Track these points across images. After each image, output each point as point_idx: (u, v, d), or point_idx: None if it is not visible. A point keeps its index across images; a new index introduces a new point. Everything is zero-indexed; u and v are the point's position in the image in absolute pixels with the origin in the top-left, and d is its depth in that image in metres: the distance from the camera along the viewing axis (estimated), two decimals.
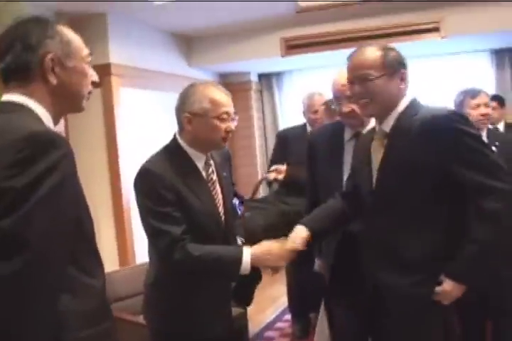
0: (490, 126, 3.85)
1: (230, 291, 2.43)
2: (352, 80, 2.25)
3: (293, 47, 5.63)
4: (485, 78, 5.87)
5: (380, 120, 2.26)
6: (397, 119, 2.22)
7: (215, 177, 2.39)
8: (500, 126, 4.57)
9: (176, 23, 5.30)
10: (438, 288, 2.08)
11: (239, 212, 2.51)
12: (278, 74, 6.90)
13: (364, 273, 2.34)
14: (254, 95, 6.85)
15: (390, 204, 2.18)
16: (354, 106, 2.65)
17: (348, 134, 2.85)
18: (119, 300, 3.31)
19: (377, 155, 2.26)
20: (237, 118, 2.39)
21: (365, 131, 2.63)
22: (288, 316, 4.70)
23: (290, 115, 6.58)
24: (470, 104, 3.77)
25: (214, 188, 2.37)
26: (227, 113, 2.31)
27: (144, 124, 5.12)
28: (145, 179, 2.23)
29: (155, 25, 5.24)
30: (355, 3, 4.99)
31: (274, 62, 6.13)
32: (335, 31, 5.41)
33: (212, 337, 2.27)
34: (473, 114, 3.70)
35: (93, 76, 1.61)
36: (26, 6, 3.99)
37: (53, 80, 1.49)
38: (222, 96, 2.32)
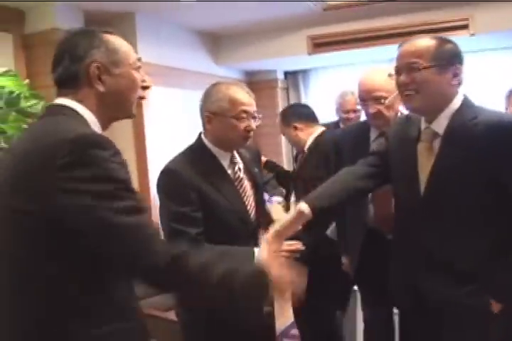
0: None
1: None
2: (398, 69, 2.09)
3: (319, 45, 5.61)
4: None
5: (430, 118, 2.11)
6: (451, 120, 2.07)
7: (242, 174, 2.38)
8: None
9: (203, 22, 5.32)
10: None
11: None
12: (304, 72, 6.87)
13: (395, 277, 2.25)
14: (280, 93, 6.83)
15: (441, 213, 2.05)
16: (380, 107, 2.71)
17: (373, 134, 2.88)
18: (148, 297, 3.33)
19: (425, 158, 2.11)
20: (260, 116, 2.37)
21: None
22: None
23: (317, 113, 6.52)
24: (507, 102, 3.69)
25: (242, 186, 2.36)
26: (245, 111, 2.30)
27: (171, 123, 5.14)
28: (166, 178, 2.25)
29: (182, 24, 5.27)
30: (383, 1, 4.95)
31: (300, 60, 6.11)
32: (361, 29, 5.37)
33: (245, 328, 2.21)
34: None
35: (143, 81, 1.67)
36: (56, 5, 4.04)
37: (100, 88, 1.57)
38: (243, 95, 2.31)
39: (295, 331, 4.51)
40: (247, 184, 2.38)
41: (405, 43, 2.09)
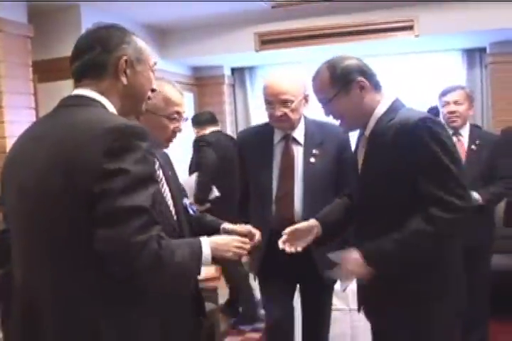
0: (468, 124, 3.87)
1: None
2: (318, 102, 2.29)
3: (267, 42, 5.63)
4: (456, 77, 5.92)
5: (364, 127, 2.24)
6: (375, 124, 2.20)
7: (161, 175, 2.30)
8: None
9: (150, 16, 5.26)
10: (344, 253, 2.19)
11: (191, 212, 2.45)
12: (251, 69, 6.88)
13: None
14: (226, 89, 6.83)
15: (371, 212, 2.18)
16: (287, 110, 2.79)
17: (277, 137, 2.93)
18: None
19: (360, 161, 2.27)
20: (187, 118, 2.38)
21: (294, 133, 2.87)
22: None
23: (262, 110, 6.52)
24: (440, 102, 3.83)
25: (162, 187, 2.28)
26: (178, 112, 2.28)
27: None
28: None
29: (129, 17, 5.15)
30: (330, 0, 5.00)
31: (248, 57, 6.13)
32: (310, 27, 5.41)
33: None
34: (443, 111, 3.76)
35: (153, 85, 1.78)
36: None
37: (124, 80, 1.66)
38: (176, 96, 2.29)
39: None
40: (166, 186, 2.30)
41: (312, 78, 2.29)
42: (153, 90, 1.78)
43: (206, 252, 1.81)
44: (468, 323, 3.44)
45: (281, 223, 2.58)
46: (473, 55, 6.01)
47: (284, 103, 2.79)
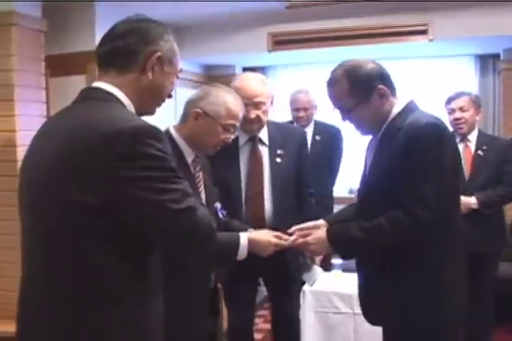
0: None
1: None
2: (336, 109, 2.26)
3: (280, 42, 5.60)
4: (468, 83, 5.89)
5: (379, 130, 2.24)
6: (386, 126, 2.19)
7: (201, 175, 2.39)
8: None
9: (163, 13, 5.19)
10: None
11: (220, 215, 2.51)
12: (263, 69, 6.84)
13: None
14: None
15: (373, 210, 2.18)
16: (259, 112, 2.89)
17: (242, 139, 3.01)
18: None
19: (369, 162, 2.30)
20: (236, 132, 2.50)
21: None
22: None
23: (273, 110, 6.52)
24: (446, 109, 3.82)
25: (200, 186, 2.38)
26: (233, 126, 2.37)
27: None
28: None
29: (143, 14, 5.17)
30: (345, 1, 4.99)
31: (260, 57, 6.10)
32: (323, 29, 5.38)
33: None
34: (450, 118, 3.76)
35: (172, 91, 1.76)
36: None
37: (150, 75, 1.62)
38: (239, 110, 2.38)
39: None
40: (202, 185, 2.41)
41: (327, 84, 2.23)
42: (170, 96, 1.75)
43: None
44: (473, 330, 3.43)
45: (253, 222, 2.63)
46: (487, 61, 5.97)
47: (257, 105, 2.88)
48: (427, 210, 2.01)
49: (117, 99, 1.58)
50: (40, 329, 1.49)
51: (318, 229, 2.31)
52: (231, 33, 5.74)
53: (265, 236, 2.24)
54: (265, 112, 2.95)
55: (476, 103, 3.85)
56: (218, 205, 2.54)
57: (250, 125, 2.94)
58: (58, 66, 4.43)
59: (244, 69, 6.93)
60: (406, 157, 2.03)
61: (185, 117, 2.36)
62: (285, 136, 3.08)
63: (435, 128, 2.06)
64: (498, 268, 3.76)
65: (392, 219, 2.06)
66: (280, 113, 5.26)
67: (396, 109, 2.19)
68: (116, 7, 4.72)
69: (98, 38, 4.52)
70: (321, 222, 2.46)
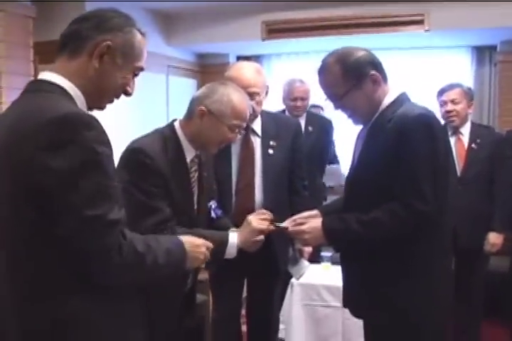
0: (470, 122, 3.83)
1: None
2: (327, 97, 2.23)
3: (274, 31, 5.55)
4: (464, 74, 5.85)
5: (370, 120, 2.22)
6: (376, 117, 2.17)
7: (196, 175, 2.36)
8: None
9: (156, 1, 5.18)
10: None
11: (212, 214, 2.49)
12: (257, 58, 6.76)
13: None
14: None
15: (358, 201, 2.18)
16: (253, 103, 2.81)
17: None
18: None
19: (357, 152, 2.29)
20: (242, 132, 2.48)
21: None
22: None
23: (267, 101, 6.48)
24: (438, 101, 3.79)
25: (194, 186, 2.34)
26: (239, 126, 2.32)
27: (117, 102, 5.00)
28: (140, 159, 2.17)
29: (134, 1, 5.10)
30: None
31: (254, 45, 6.03)
32: (318, 18, 5.33)
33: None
34: (441, 110, 3.72)
35: (129, 87, 1.68)
36: None
37: (96, 63, 1.56)
38: (244, 110, 2.32)
39: None
40: (197, 185, 2.38)
41: (318, 72, 2.21)
42: (127, 93, 1.68)
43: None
44: (461, 323, 3.43)
45: (242, 214, 2.59)
46: (483, 53, 5.92)
47: (252, 95, 2.80)
48: (426, 204, 2.00)
49: (62, 91, 1.53)
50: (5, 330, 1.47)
51: (313, 219, 2.29)
52: (224, 21, 5.67)
53: (248, 228, 2.29)
54: (259, 103, 2.91)
55: (469, 95, 3.80)
56: (213, 204, 2.51)
57: None
58: (47, 53, 4.34)
59: (238, 58, 6.87)
60: (399, 149, 2.02)
61: (190, 114, 2.31)
62: (279, 126, 3.02)
63: (426, 119, 2.06)
64: (488, 263, 3.74)
65: (391, 212, 2.04)
66: (274, 103, 5.20)
67: (387, 100, 2.17)
68: None
69: None
70: (315, 212, 2.44)
